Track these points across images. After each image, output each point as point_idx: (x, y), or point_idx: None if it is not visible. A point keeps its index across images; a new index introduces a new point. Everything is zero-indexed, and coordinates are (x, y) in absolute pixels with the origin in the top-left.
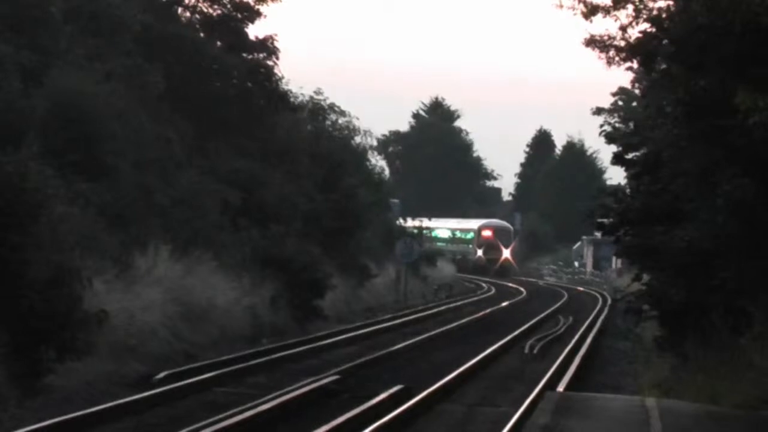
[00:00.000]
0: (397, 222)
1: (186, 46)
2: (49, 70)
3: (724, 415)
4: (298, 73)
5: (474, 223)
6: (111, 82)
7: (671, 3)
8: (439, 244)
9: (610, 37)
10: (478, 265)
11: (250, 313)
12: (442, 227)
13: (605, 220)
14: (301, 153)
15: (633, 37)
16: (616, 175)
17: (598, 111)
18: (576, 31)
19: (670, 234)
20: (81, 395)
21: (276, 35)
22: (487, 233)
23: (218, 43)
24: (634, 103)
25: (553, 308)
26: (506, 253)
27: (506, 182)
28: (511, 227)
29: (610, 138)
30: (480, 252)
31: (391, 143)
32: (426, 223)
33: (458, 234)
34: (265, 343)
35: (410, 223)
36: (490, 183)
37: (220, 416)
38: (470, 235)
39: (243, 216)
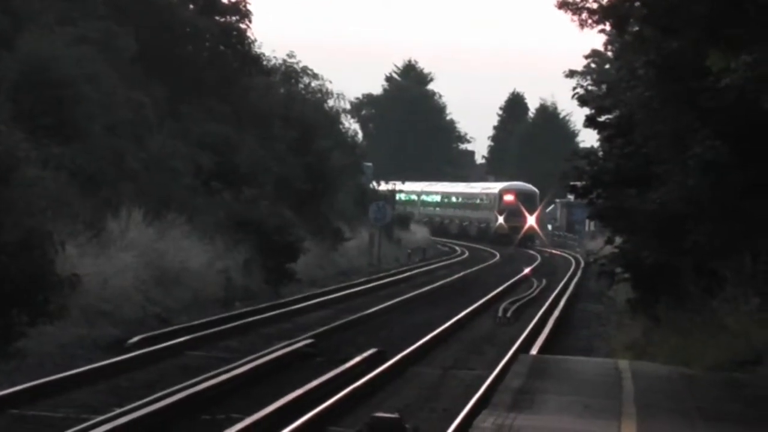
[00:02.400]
0: (371, 185)
1: (158, 9)
2: (21, 33)
3: (696, 377)
4: (271, 36)
5: (494, 186)
6: (83, 45)
7: None
8: (448, 210)
9: None
10: (499, 233)
11: (223, 277)
12: (453, 192)
13: (578, 183)
14: (274, 116)
15: None
16: (589, 138)
17: (571, 73)
18: None
19: (642, 196)
20: (54, 359)
21: None
22: (509, 198)
23: (190, 5)
24: (607, 66)
25: (526, 271)
26: (531, 221)
27: (479, 145)
28: (536, 191)
29: (582, 101)
30: (501, 219)
31: (364, 106)
32: (437, 187)
33: (477, 199)
34: (239, 307)
35: (400, 186)
36: (463, 146)
37: (195, 380)
38: (490, 201)
39: (216, 179)
